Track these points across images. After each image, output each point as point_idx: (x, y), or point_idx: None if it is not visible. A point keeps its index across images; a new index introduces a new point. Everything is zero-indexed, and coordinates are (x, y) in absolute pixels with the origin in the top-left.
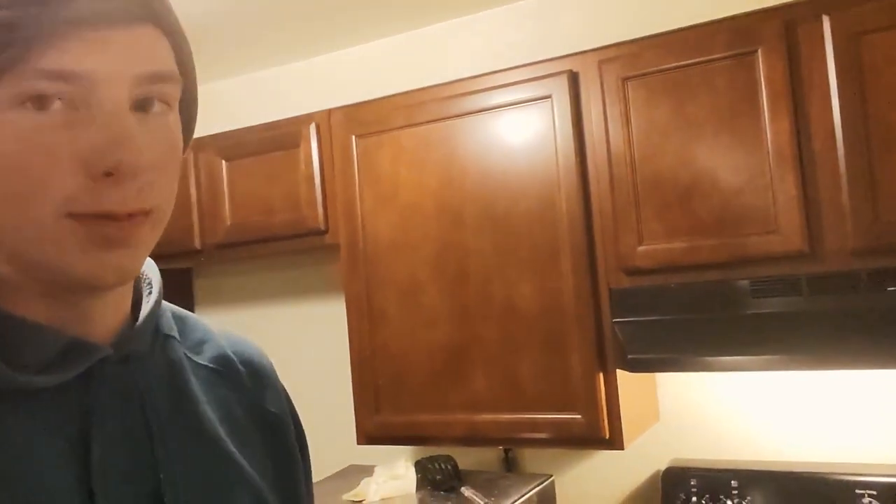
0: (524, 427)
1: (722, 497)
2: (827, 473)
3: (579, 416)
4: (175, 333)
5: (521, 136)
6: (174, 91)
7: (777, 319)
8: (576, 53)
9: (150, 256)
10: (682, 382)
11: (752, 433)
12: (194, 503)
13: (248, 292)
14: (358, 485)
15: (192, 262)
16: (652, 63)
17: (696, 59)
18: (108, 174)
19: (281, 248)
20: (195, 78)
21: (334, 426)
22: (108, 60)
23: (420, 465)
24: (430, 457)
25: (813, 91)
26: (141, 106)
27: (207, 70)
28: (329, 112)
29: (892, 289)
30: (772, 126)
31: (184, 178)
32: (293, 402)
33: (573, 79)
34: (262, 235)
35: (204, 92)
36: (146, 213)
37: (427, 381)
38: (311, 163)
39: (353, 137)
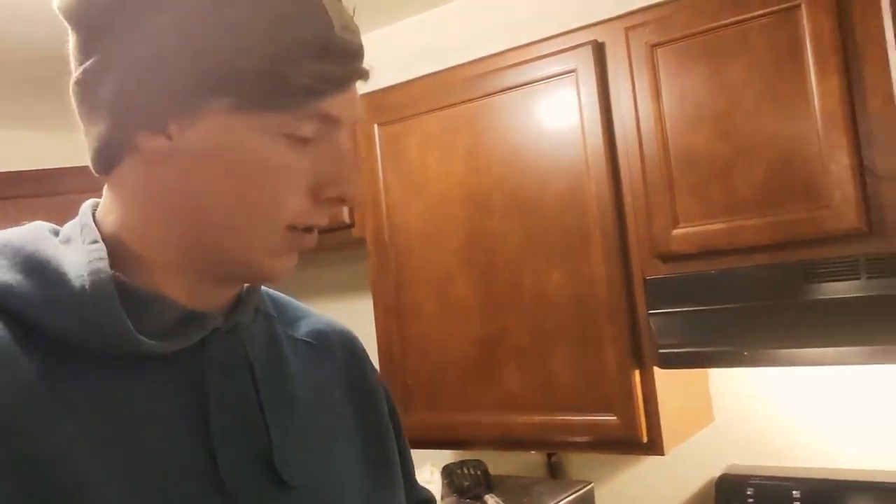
0: (557, 429)
1: None
2: None
3: (614, 418)
4: (272, 310)
5: (546, 114)
6: None
7: (834, 306)
8: (600, 22)
9: None
10: (739, 379)
11: (820, 437)
12: (298, 465)
13: (280, 289)
14: None
15: None
16: (683, 27)
17: (732, 19)
18: (337, 200)
19: None
20: None
21: None
22: (352, 110)
23: (447, 471)
24: (460, 461)
25: (866, 46)
26: None
27: None
28: None
29: None
30: (819, 86)
31: None
32: None
33: (598, 50)
34: None
35: None
36: None
37: (459, 379)
38: None
39: (376, 126)
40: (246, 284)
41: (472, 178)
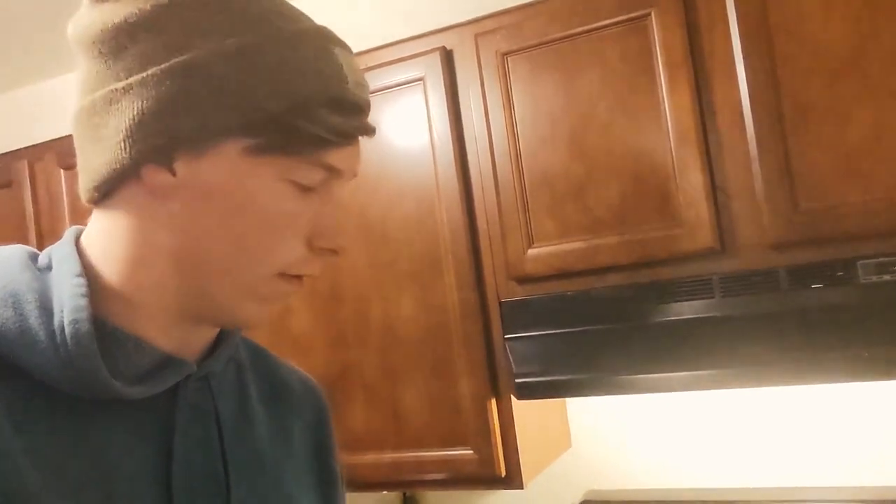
0: (409, 468)
1: None
2: (758, 501)
3: (470, 452)
4: (244, 359)
5: (393, 128)
6: None
7: (686, 328)
8: (449, 27)
9: None
10: (595, 403)
11: (676, 458)
12: None
13: None
14: None
15: None
16: (535, 35)
17: (584, 27)
18: (330, 251)
19: None
20: None
21: None
22: (353, 163)
23: None
24: None
25: (715, 58)
26: None
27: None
28: None
29: (817, 286)
30: (671, 101)
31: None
32: None
33: (447, 57)
34: None
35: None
36: None
37: None
38: None
39: None
40: (230, 333)
41: None
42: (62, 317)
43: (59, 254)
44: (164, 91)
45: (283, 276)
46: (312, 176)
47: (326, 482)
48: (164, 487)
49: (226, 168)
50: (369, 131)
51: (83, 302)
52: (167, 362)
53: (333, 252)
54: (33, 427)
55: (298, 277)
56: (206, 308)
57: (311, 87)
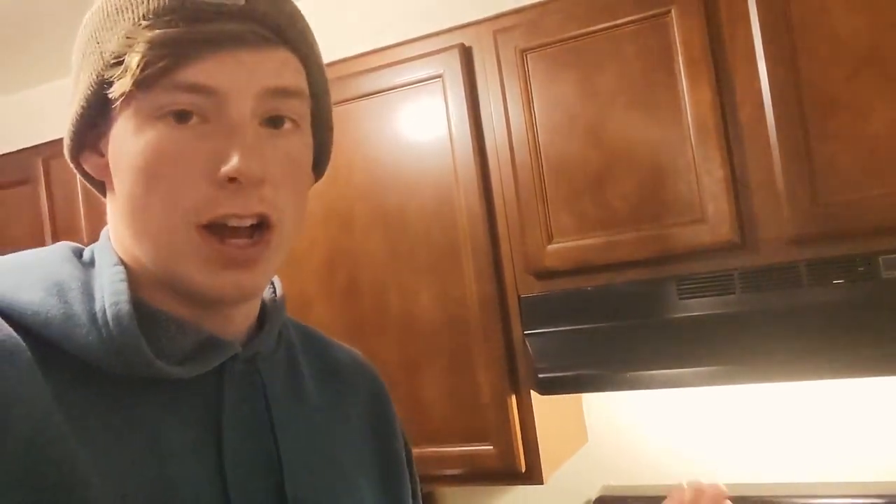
0: (430, 462)
1: None
2: (777, 496)
3: (491, 447)
4: (295, 340)
5: (411, 122)
6: (302, 110)
7: (707, 323)
8: (467, 24)
9: None
10: (611, 398)
11: (691, 453)
12: (310, 498)
13: None
14: None
15: None
16: (553, 32)
17: (603, 25)
18: (231, 180)
19: None
20: (329, 104)
21: None
22: (238, 76)
23: None
24: None
25: (735, 53)
26: (271, 122)
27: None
28: None
29: (838, 282)
30: (691, 96)
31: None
32: None
33: (466, 54)
34: None
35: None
36: (269, 231)
37: None
38: None
39: None
40: (273, 314)
41: (330, 190)
42: (103, 301)
43: (98, 248)
44: (71, 89)
45: (204, 234)
46: (180, 103)
47: (386, 458)
48: (215, 467)
49: (120, 132)
50: (225, 38)
51: (122, 286)
52: (211, 343)
53: (234, 181)
54: (83, 411)
55: (226, 227)
56: (169, 277)
57: (135, 8)
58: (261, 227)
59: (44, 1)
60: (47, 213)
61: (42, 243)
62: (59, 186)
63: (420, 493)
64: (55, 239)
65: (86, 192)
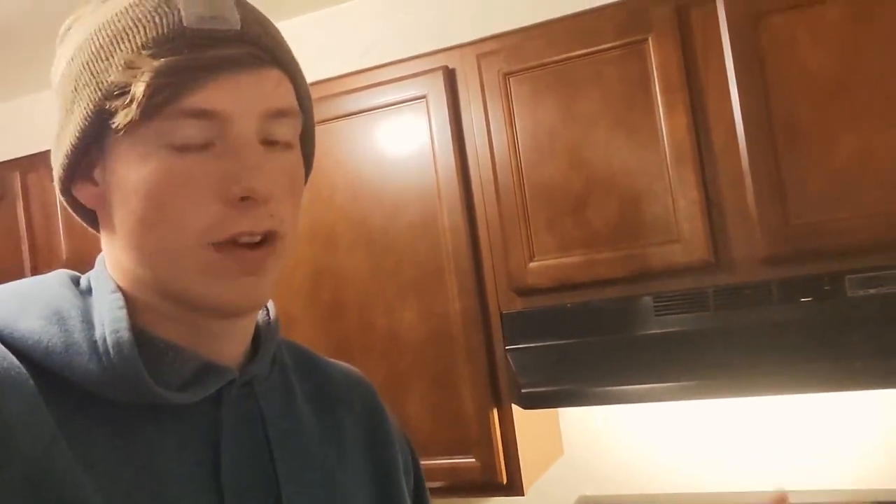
0: None
1: None
2: None
3: (473, 460)
4: (287, 360)
5: (395, 141)
6: (296, 127)
7: (682, 339)
8: (451, 47)
9: None
10: (585, 411)
11: (667, 464)
12: None
13: None
14: None
15: None
16: (535, 56)
17: (584, 51)
18: (243, 199)
19: None
20: (313, 115)
21: None
22: (239, 98)
23: None
24: None
25: (709, 80)
26: (268, 142)
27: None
28: None
29: (806, 300)
30: (668, 121)
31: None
32: None
33: (449, 76)
34: None
35: None
36: (274, 240)
37: None
38: None
39: None
40: (268, 337)
41: (313, 207)
42: (103, 329)
43: (94, 275)
44: (57, 121)
45: (217, 246)
46: (185, 129)
47: (383, 472)
48: (214, 491)
49: (119, 159)
50: (227, 62)
51: (122, 314)
52: (208, 369)
53: (247, 199)
54: (85, 437)
55: (235, 244)
56: (177, 297)
57: (133, 38)
58: (267, 240)
59: (15, 15)
60: (24, 229)
61: (19, 259)
62: (37, 201)
63: (427, 496)
64: (33, 255)
65: (66, 210)
